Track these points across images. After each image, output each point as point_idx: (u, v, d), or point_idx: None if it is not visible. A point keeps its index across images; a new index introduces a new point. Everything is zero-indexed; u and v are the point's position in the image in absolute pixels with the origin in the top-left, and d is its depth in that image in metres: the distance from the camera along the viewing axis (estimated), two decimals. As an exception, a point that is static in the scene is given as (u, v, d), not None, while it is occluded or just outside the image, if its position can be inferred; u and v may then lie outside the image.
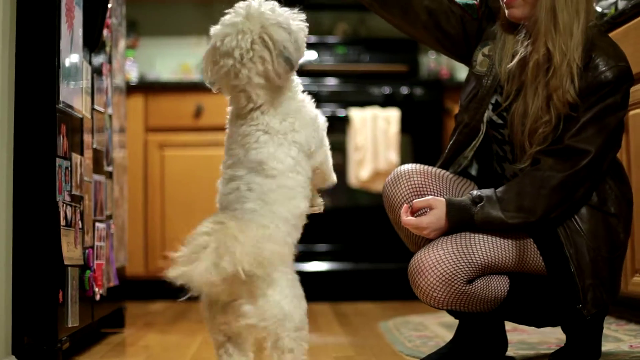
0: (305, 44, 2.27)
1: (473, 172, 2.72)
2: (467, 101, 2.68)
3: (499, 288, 2.53)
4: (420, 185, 2.63)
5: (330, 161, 2.42)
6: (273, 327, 2.12)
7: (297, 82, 2.31)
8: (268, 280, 2.10)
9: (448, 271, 2.46)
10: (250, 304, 2.11)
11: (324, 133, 2.35)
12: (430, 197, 2.55)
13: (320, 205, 2.44)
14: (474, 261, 2.48)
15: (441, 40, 2.73)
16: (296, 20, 2.26)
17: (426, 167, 2.68)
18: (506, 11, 2.57)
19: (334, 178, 2.44)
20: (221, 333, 2.20)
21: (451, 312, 2.66)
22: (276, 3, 2.25)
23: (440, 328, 3.58)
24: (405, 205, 2.56)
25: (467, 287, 2.48)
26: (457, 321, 2.71)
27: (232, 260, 2.00)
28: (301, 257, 5.07)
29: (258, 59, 2.18)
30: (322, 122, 2.34)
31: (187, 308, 4.59)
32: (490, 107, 2.64)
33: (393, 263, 5.12)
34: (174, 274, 2.01)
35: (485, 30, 2.69)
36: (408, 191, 2.63)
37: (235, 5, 2.24)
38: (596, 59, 2.48)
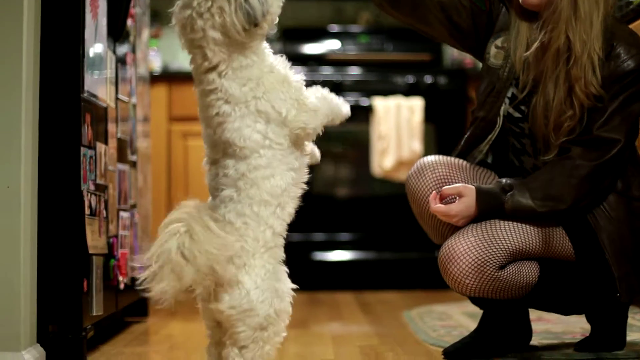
0: (277, 4, 2.10)
1: (489, 161, 2.71)
2: (484, 96, 2.66)
3: (529, 273, 2.52)
4: (445, 177, 2.62)
5: (331, 100, 2.18)
6: (236, 317, 2.04)
7: (266, 46, 2.15)
8: (245, 267, 2.04)
9: (480, 257, 2.46)
10: (227, 291, 2.04)
11: (301, 87, 2.13)
12: (459, 184, 2.54)
13: (316, 158, 2.24)
14: (505, 247, 2.47)
15: (454, 35, 2.72)
16: None
17: (449, 158, 2.67)
18: (520, -1, 2.55)
19: (342, 109, 2.19)
20: (209, 318, 2.15)
21: (476, 302, 2.66)
22: None
23: (464, 317, 3.57)
24: (433, 192, 2.55)
25: (499, 273, 2.48)
26: (481, 311, 2.71)
27: (189, 270, 1.97)
28: (324, 246, 5.09)
29: (217, 10, 2.04)
30: (297, 80, 2.13)
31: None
32: (507, 100, 2.62)
33: (416, 252, 5.11)
34: (154, 293, 1.97)
35: (496, 22, 2.67)
36: (433, 183, 2.62)
37: None
38: (617, 48, 2.47)
